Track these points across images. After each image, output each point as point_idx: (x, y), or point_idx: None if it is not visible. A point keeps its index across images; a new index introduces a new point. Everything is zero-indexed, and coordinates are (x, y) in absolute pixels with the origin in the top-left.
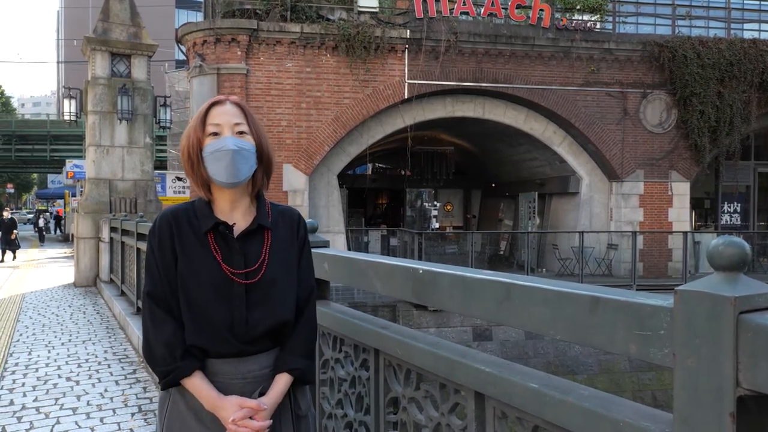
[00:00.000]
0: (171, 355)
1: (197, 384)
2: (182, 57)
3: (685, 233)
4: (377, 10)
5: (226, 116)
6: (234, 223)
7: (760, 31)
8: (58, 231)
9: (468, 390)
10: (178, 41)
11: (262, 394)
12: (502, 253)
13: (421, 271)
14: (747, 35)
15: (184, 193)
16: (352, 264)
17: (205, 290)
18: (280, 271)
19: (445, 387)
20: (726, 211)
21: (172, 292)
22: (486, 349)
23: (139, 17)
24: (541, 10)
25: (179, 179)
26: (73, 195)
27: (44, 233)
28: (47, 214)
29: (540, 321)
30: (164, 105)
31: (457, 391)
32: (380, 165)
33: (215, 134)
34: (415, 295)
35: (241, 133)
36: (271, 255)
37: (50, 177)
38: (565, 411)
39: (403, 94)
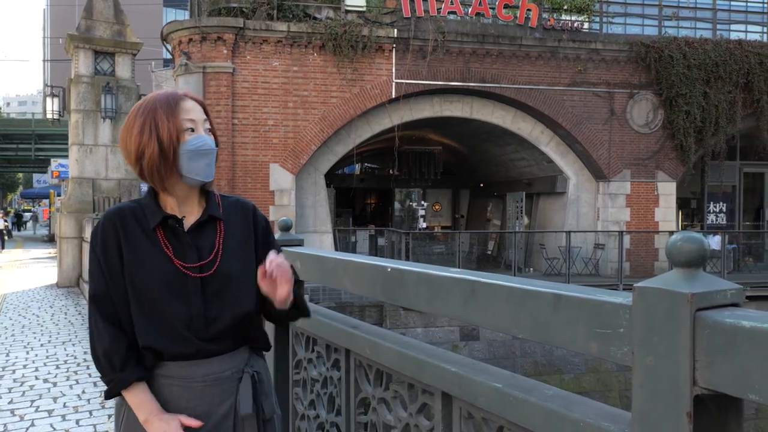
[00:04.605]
0: (110, 364)
1: (136, 397)
2: (170, 55)
3: (670, 233)
4: (364, 9)
5: (197, 113)
6: (184, 216)
7: (746, 32)
8: (18, 230)
9: (435, 390)
10: (164, 39)
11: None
12: (490, 252)
13: (389, 270)
14: (734, 36)
15: None
16: (323, 262)
17: (158, 288)
18: (236, 261)
19: (413, 387)
20: (712, 211)
21: (118, 296)
22: (474, 349)
23: (124, 15)
24: (529, 10)
25: None
26: (59, 194)
27: (5, 237)
28: (9, 216)
29: (504, 319)
30: None
31: (425, 391)
32: (368, 165)
33: (191, 130)
34: (384, 293)
35: (208, 130)
36: (225, 246)
37: (36, 176)
38: (528, 411)
39: (391, 93)
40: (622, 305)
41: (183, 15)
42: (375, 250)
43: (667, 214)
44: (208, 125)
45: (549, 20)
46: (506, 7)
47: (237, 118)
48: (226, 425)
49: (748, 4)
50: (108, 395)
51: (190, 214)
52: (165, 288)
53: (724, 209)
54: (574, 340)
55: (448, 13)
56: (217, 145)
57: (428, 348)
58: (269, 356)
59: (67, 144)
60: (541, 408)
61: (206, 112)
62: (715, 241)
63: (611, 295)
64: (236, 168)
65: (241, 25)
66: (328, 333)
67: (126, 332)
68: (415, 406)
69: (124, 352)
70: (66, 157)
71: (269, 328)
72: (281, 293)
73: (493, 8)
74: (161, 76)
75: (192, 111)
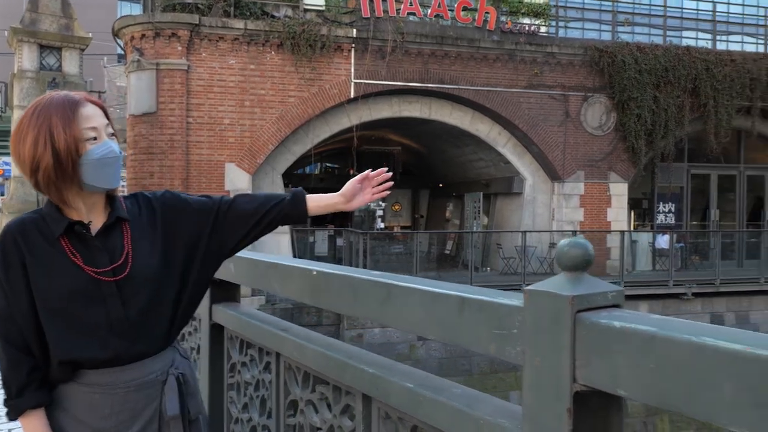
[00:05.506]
0: (7, 390)
1: (30, 425)
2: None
3: (622, 232)
4: (323, 8)
5: (99, 118)
6: (90, 221)
7: (697, 39)
8: None
9: (356, 391)
10: (115, 34)
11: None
12: (448, 252)
13: (314, 273)
14: (688, 43)
15: (122, 193)
16: (254, 265)
17: (71, 298)
18: (151, 258)
19: (338, 389)
20: (661, 211)
21: (23, 316)
22: (431, 349)
23: (72, 8)
24: (487, 12)
25: None
26: (1, 194)
27: None
28: None
29: (416, 321)
30: None
31: (348, 392)
32: (328, 164)
33: (94, 138)
34: (311, 296)
35: (111, 135)
36: (136, 245)
37: None
38: (436, 410)
39: (350, 93)
40: (516, 307)
41: (139, 9)
42: (334, 251)
43: (618, 214)
44: (110, 129)
45: (507, 23)
46: (465, 9)
47: (191, 117)
48: (151, 429)
49: (699, 12)
50: (8, 418)
51: (97, 218)
52: (79, 297)
53: (672, 209)
54: (477, 340)
55: (408, 14)
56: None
57: (350, 349)
58: (204, 360)
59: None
60: (448, 407)
61: (107, 115)
62: (664, 240)
63: (508, 297)
64: (190, 167)
65: (197, 22)
66: (260, 336)
67: (32, 354)
68: (339, 407)
69: (24, 377)
70: (9, 154)
71: (204, 333)
72: (354, 206)
73: (452, 10)
74: (114, 72)
75: (93, 117)
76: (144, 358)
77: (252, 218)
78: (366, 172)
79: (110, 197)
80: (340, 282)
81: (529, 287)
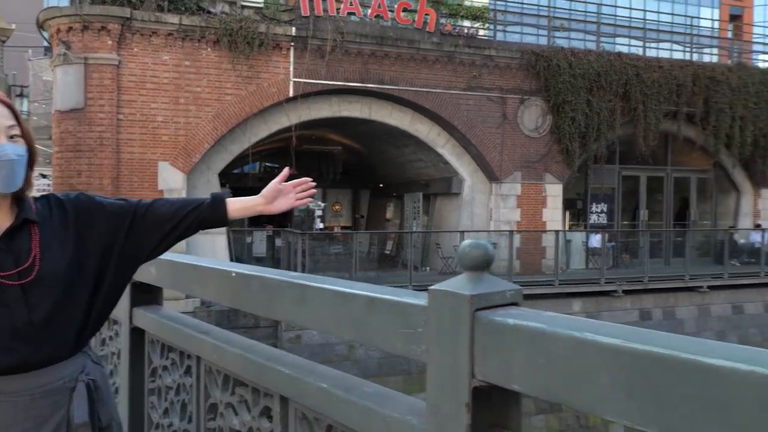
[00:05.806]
0: None
1: None
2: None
3: (557, 232)
4: (262, 5)
5: (1, 118)
6: None
7: (629, 45)
8: None
9: (275, 393)
10: (40, 26)
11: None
12: (388, 252)
13: (233, 274)
14: (621, 49)
15: (45, 191)
16: (175, 268)
17: None
18: (59, 260)
19: (257, 391)
20: (594, 211)
21: None
22: (369, 349)
23: None
24: (427, 14)
25: (43, 176)
26: None
27: None
28: None
29: (329, 321)
30: (21, 95)
31: (267, 394)
32: (268, 164)
33: None
34: (231, 299)
35: (13, 137)
36: (45, 248)
37: None
38: (348, 409)
39: (288, 92)
40: (421, 306)
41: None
42: (273, 251)
43: (554, 214)
44: (16, 131)
45: (446, 26)
46: (405, 10)
47: (122, 114)
48: None
49: (632, 20)
50: None
51: (2, 220)
52: None
53: (605, 209)
54: (386, 339)
55: (348, 13)
56: (31, 152)
57: (269, 351)
58: (124, 365)
59: None
60: (359, 406)
61: (16, 115)
62: (596, 240)
63: (414, 296)
64: (121, 166)
65: (128, 15)
66: (181, 339)
67: None
68: (258, 409)
69: None
70: None
71: (124, 337)
72: (276, 208)
73: (392, 11)
74: (39, 65)
75: None
76: (52, 364)
77: (169, 222)
78: (284, 171)
79: (18, 198)
80: (258, 283)
81: (432, 287)
